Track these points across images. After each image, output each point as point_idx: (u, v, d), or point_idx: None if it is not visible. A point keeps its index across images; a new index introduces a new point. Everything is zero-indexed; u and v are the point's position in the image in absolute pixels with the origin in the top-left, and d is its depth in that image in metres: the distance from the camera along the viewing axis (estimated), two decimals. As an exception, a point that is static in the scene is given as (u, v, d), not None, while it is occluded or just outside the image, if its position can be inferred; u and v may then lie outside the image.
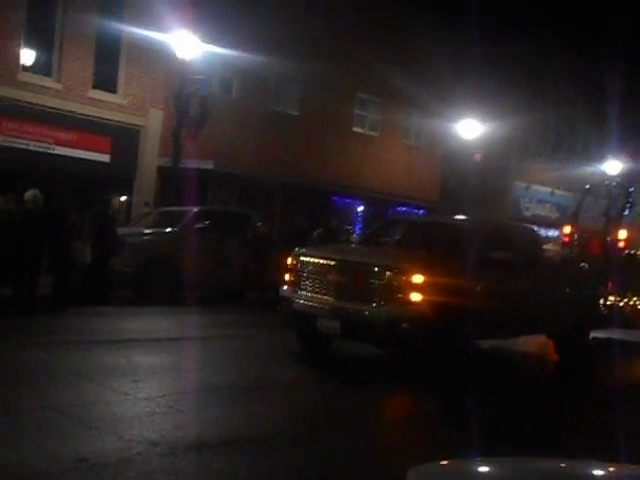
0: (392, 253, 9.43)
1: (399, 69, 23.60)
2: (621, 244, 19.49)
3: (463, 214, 12.80)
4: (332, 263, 8.46)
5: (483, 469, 2.46)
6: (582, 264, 15.07)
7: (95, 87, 18.61)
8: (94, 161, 18.24)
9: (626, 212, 25.60)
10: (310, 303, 8.48)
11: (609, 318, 13.66)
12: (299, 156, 22.46)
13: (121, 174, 18.96)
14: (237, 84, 21.53)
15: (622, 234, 19.93)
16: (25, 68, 17.48)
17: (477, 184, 24.36)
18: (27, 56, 17.56)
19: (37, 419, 5.27)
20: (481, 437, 5.25)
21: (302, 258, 8.78)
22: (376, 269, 8.12)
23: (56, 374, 6.73)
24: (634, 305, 15.58)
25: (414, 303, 7.86)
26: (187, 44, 16.81)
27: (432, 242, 9.81)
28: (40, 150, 17.40)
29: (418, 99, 24.59)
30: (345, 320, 8.19)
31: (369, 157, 25.32)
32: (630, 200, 26.26)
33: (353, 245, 11.87)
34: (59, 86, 17.92)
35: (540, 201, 32.20)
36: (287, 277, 8.92)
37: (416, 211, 25.41)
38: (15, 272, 10.84)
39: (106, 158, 18.61)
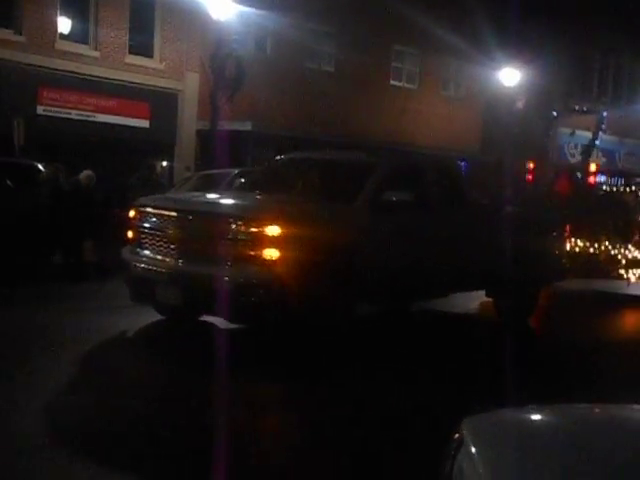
0: (250, 199, 7.57)
1: (436, 18, 23.07)
2: (591, 179, 16.26)
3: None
4: (173, 214, 6.77)
5: (541, 417, 2.40)
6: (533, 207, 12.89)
7: (131, 53, 18.71)
8: (134, 127, 18.45)
9: (597, 141, 21.18)
10: (149, 266, 6.79)
11: (574, 268, 11.83)
12: (336, 113, 22.30)
13: (161, 139, 19.15)
14: (271, 43, 21.36)
15: (592, 167, 16.64)
16: (62, 37, 17.65)
17: (520, 132, 23.89)
18: (64, 25, 17.72)
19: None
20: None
21: (142, 209, 7.06)
22: (223, 220, 6.40)
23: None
24: (608, 251, 12.85)
25: (271, 263, 6.20)
26: (221, 5, 16.72)
27: (316, 184, 8.17)
28: (81, 118, 17.66)
29: (457, 48, 24.05)
30: (186, 287, 6.52)
31: (408, 110, 24.99)
32: (602, 127, 21.80)
33: (212, 193, 9.12)
34: (96, 53, 18.07)
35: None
36: (129, 235, 7.23)
37: (467, 166, 25.05)
38: (64, 240, 11.14)
39: (146, 123, 18.80)
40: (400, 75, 25.36)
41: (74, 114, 17.55)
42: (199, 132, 19.40)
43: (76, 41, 17.87)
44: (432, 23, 22.80)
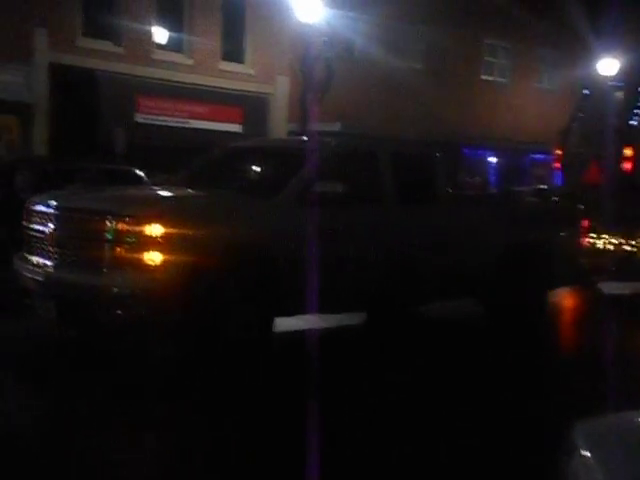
0: (142, 193, 6.73)
1: (528, 9, 22.48)
2: (627, 166, 13.72)
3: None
4: (51, 212, 5.77)
5: None
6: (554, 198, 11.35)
7: (224, 59, 19.20)
8: (227, 132, 18.90)
9: (634, 122, 16.67)
10: (29, 275, 5.84)
11: (595, 269, 10.17)
12: (426, 110, 22.09)
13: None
14: (359, 42, 21.39)
15: (627, 153, 13.91)
16: (158, 46, 18.31)
17: (618, 123, 22.92)
18: (160, 35, 18.37)
19: None
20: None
21: (29, 208, 6.08)
22: (98, 218, 5.40)
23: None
24: None
25: (153, 269, 5.19)
26: (310, 8, 16.88)
27: (250, 175, 7.28)
28: (176, 125, 18.26)
29: (551, 40, 23.37)
30: (60, 298, 5.57)
31: (499, 105, 24.48)
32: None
33: (114, 188, 8.02)
34: (190, 61, 18.64)
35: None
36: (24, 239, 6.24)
37: (549, 158, 24.32)
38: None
39: (238, 128, 19.22)
40: (491, 69, 24.89)
41: (170, 121, 18.15)
42: (290, 134, 19.66)
43: (171, 50, 18.50)
44: (524, 14, 22.25)
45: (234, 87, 19.12)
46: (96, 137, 16.28)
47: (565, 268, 7.98)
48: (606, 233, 10.88)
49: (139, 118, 17.71)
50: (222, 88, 18.87)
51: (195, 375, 5.40)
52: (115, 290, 5.26)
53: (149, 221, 5.23)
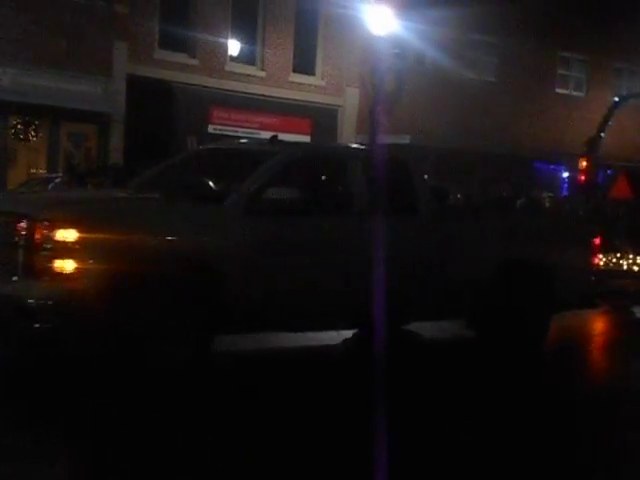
0: (59, 196, 6.18)
1: (605, 21, 21.93)
2: None
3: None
4: None
5: None
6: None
7: (295, 71, 19.45)
8: (296, 142, 19.12)
9: None
10: None
11: (619, 291, 9.39)
12: (498, 124, 21.78)
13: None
14: (430, 54, 21.30)
15: None
16: (232, 59, 18.72)
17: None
18: (233, 47, 18.78)
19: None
20: None
21: None
22: (13, 221, 4.96)
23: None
24: None
25: (70, 278, 4.74)
26: (381, 20, 16.92)
27: (197, 179, 6.57)
28: (248, 135, 18.55)
29: (630, 51, 22.71)
30: None
31: (574, 119, 23.89)
32: None
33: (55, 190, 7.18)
34: (262, 73, 18.97)
35: None
36: None
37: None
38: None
39: (307, 139, 19.40)
40: (567, 83, 24.34)
41: (241, 132, 18.48)
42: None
43: (244, 62, 18.88)
44: (602, 26, 21.71)
45: (304, 98, 19.34)
46: (169, 146, 16.73)
47: (571, 290, 6.99)
48: (632, 253, 10.13)
49: (211, 129, 18.11)
50: (292, 99, 19.11)
51: (110, 395, 4.66)
52: (30, 301, 4.76)
53: (64, 225, 4.76)
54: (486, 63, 22.49)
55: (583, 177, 13.15)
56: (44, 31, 15.59)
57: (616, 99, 14.48)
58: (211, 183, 6.13)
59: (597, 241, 7.47)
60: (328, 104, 19.85)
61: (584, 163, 13.22)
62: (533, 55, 22.57)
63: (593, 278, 7.39)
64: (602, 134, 14.24)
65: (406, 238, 6.06)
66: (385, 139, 17.74)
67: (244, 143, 8.42)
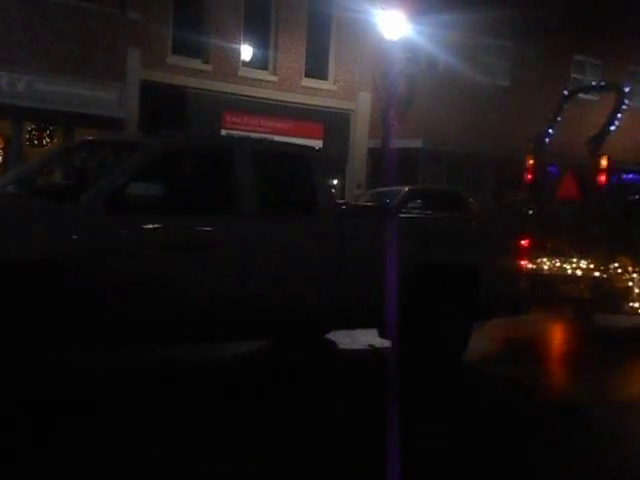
0: None
1: (619, 24, 21.82)
2: (601, 178, 11.85)
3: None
4: None
5: None
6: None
7: (307, 75, 19.49)
8: (309, 147, 19.13)
9: (612, 127, 13.53)
10: None
11: (564, 297, 8.79)
12: (511, 128, 21.69)
13: (334, 158, 19.69)
14: (443, 58, 21.28)
15: (603, 163, 11.93)
16: (244, 64, 18.78)
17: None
18: (246, 52, 18.85)
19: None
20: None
21: None
22: None
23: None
24: (626, 278, 9.11)
25: None
26: (394, 25, 16.93)
27: (66, 174, 6.11)
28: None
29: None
30: None
31: (588, 123, 23.69)
32: (623, 106, 13.23)
33: None
34: (274, 78, 19.02)
35: None
36: None
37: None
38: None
39: (319, 144, 19.41)
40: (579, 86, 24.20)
41: (254, 137, 18.52)
42: (370, 150, 19.71)
43: (257, 67, 18.94)
44: (616, 30, 21.61)
45: (316, 103, 19.37)
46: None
47: (495, 295, 6.50)
48: (576, 257, 9.39)
49: (224, 133, 18.16)
50: (305, 104, 19.14)
51: None
52: None
53: None
54: (499, 67, 22.44)
55: (530, 176, 12.13)
56: (58, 38, 15.70)
57: (565, 92, 13.49)
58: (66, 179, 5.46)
59: (524, 242, 6.89)
60: (340, 108, 19.86)
61: (530, 161, 12.15)
62: (546, 59, 22.49)
63: (522, 283, 6.81)
64: (550, 130, 13.13)
65: (302, 239, 5.63)
66: (397, 143, 17.75)
67: (124, 134, 7.55)
